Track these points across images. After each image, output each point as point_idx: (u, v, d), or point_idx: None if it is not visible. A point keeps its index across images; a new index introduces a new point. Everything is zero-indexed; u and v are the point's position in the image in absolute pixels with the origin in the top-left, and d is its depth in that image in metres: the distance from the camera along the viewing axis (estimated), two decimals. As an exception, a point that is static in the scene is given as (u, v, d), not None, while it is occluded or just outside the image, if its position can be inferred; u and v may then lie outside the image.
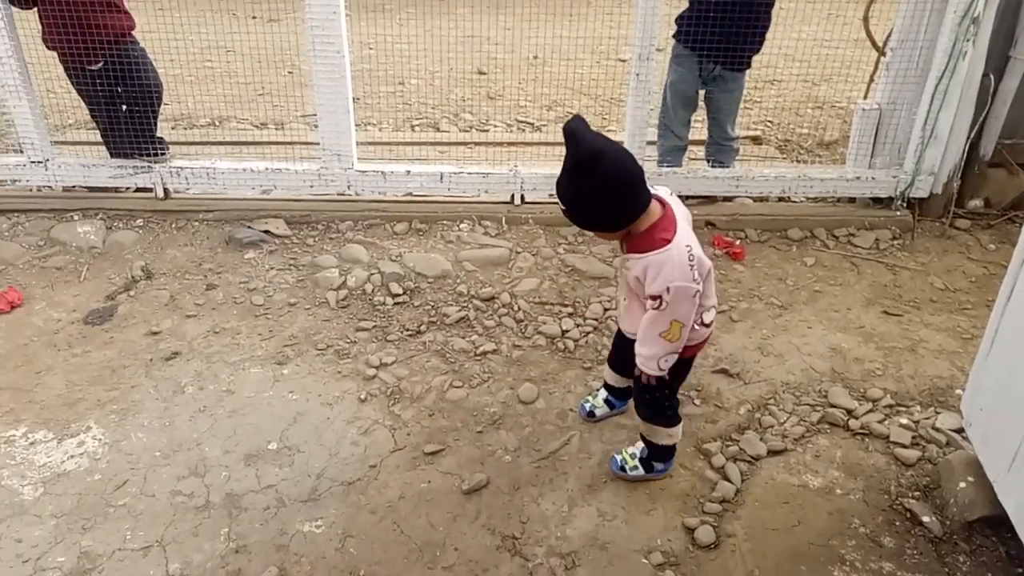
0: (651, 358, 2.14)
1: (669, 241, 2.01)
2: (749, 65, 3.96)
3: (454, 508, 2.36)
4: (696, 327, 2.15)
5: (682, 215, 2.11)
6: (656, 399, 2.32)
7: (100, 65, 3.70)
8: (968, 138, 3.84)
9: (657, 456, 2.43)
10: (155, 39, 4.22)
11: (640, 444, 2.46)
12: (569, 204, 2.06)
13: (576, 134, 1.96)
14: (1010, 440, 1.96)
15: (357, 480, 2.45)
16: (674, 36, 3.94)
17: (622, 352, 2.45)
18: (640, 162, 2.10)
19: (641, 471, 2.45)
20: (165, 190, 3.94)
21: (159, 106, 3.99)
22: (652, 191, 2.11)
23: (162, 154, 3.93)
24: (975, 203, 4.07)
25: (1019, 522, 1.94)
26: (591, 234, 2.23)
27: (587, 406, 2.71)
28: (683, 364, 2.30)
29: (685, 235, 2.05)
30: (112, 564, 2.16)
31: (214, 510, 2.34)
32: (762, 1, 3.69)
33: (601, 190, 1.99)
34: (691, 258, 2.02)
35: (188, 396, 2.80)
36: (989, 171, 4.02)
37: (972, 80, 3.68)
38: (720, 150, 4.15)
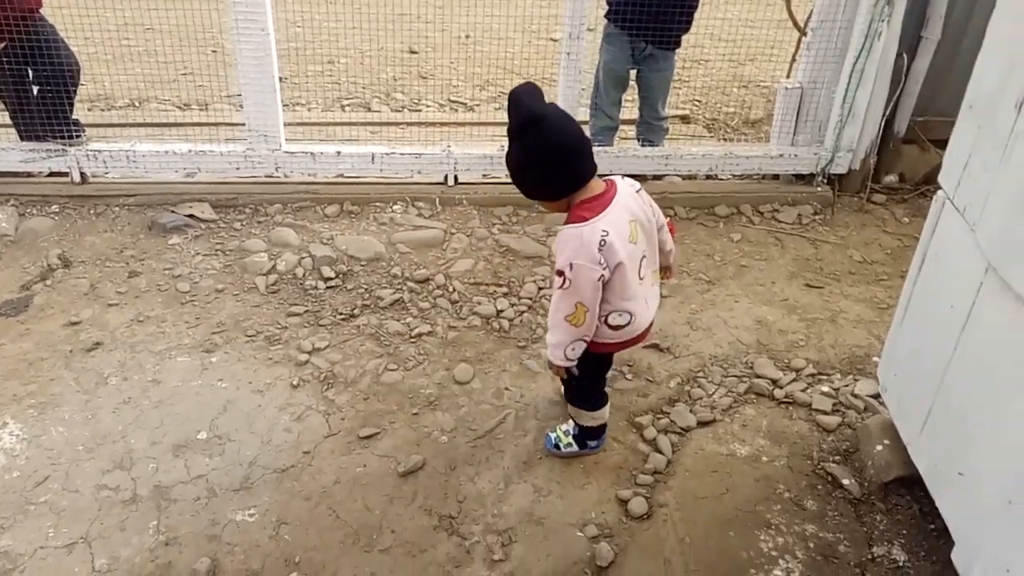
0: (558, 346, 2.13)
1: (586, 220, 2.00)
2: (679, 44, 4.02)
3: (390, 491, 2.36)
4: (601, 324, 2.14)
5: (623, 206, 2.06)
6: (578, 386, 2.35)
7: (3, 46, 3.53)
8: (883, 116, 3.97)
9: (588, 434, 2.48)
10: (68, 16, 4.04)
11: (571, 422, 2.50)
12: (512, 170, 2.08)
13: (520, 99, 1.98)
14: (922, 404, 2.06)
15: (290, 467, 2.43)
16: (606, 16, 3.96)
17: None
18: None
19: (575, 447, 2.49)
20: (82, 174, 3.79)
21: (75, 87, 3.83)
22: (613, 177, 2.12)
23: (77, 136, 3.77)
24: (890, 178, 4.22)
25: (931, 481, 2.03)
26: (537, 208, 2.21)
27: None
28: (602, 357, 2.31)
29: (610, 221, 2.01)
30: (34, 563, 2.09)
31: (142, 503, 2.28)
32: None
33: (540, 153, 2.00)
34: (603, 243, 1.98)
35: (111, 388, 2.72)
36: (903, 147, 4.18)
37: (887, 60, 3.80)
38: (650, 129, 4.21)
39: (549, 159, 2.01)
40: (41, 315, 3.08)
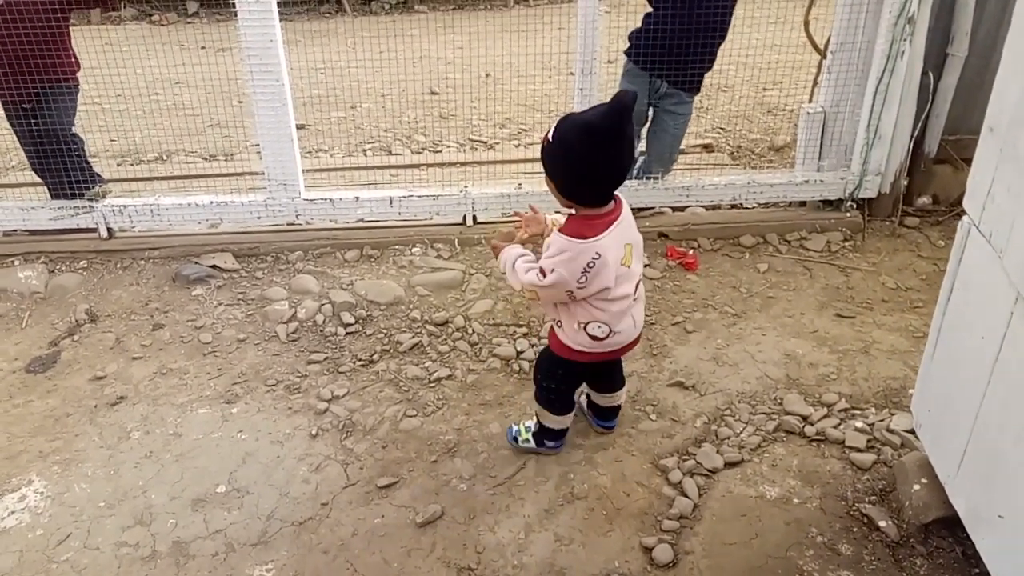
0: (502, 269, 2.32)
1: (587, 238, 2.07)
2: (698, 88, 3.93)
3: (408, 542, 2.31)
4: (577, 329, 2.23)
5: (623, 229, 2.14)
6: (547, 386, 2.44)
7: (29, 105, 3.63)
8: (912, 136, 3.88)
9: (547, 435, 2.53)
10: (101, 75, 4.15)
11: (535, 418, 2.55)
12: (555, 136, 2.06)
13: (626, 108, 1.96)
14: (957, 441, 1.95)
15: (308, 519, 2.39)
16: (625, 52, 3.93)
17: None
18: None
19: (532, 444, 2.56)
20: (109, 229, 3.86)
21: (82, 145, 3.88)
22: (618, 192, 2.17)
23: (97, 186, 3.83)
24: (923, 200, 4.11)
25: (970, 523, 1.93)
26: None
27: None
28: (571, 368, 2.38)
29: (605, 245, 2.08)
30: (52, 625, 2.08)
31: (161, 560, 2.27)
32: (714, 23, 3.66)
33: (593, 160, 2.02)
34: (591, 264, 2.07)
35: (134, 442, 2.72)
36: (935, 168, 4.06)
37: (912, 79, 3.71)
38: (649, 175, 4.06)
39: (596, 172, 2.05)
40: (68, 371, 3.11)
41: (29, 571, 2.24)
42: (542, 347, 3.10)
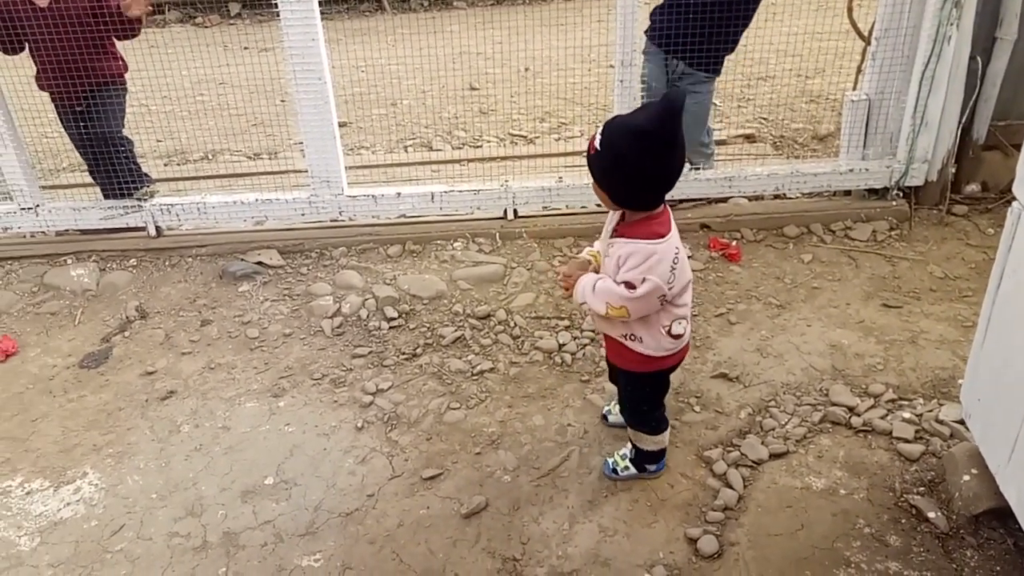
0: (584, 301, 2.13)
1: (663, 236, 2.02)
2: (718, 70, 3.81)
3: (453, 533, 2.33)
4: (662, 333, 2.14)
5: (675, 226, 2.11)
6: (639, 409, 2.35)
7: (83, 107, 3.73)
8: (960, 122, 3.79)
9: (647, 458, 2.43)
10: (148, 77, 4.25)
11: (629, 445, 2.46)
12: (603, 144, 1.96)
13: (675, 109, 1.86)
14: (1008, 430, 1.91)
15: (355, 510, 2.43)
16: (645, 32, 3.88)
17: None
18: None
19: (633, 471, 2.45)
20: (157, 228, 3.96)
21: (131, 146, 3.98)
22: None
23: (145, 186, 3.92)
24: (972, 188, 4.01)
25: (1021, 512, 1.88)
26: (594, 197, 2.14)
27: (604, 408, 2.73)
28: (653, 378, 2.29)
29: (677, 238, 2.06)
30: (110, 611, 2.15)
31: (211, 550, 2.32)
32: (736, 6, 3.57)
33: (651, 167, 1.92)
34: (676, 260, 2.02)
35: (184, 435, 2.79)
36: (984, 154, 3.97)
37: (959, 64, 3.63)
38: (693, 153, 4.04)
39: (655, 179, 1.96)
40: (119, 366, 3.19)
41: (84, 561, 2.31)
42: (584, 340, 3.13)
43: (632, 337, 2.16)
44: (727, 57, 3.82)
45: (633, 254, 2.01)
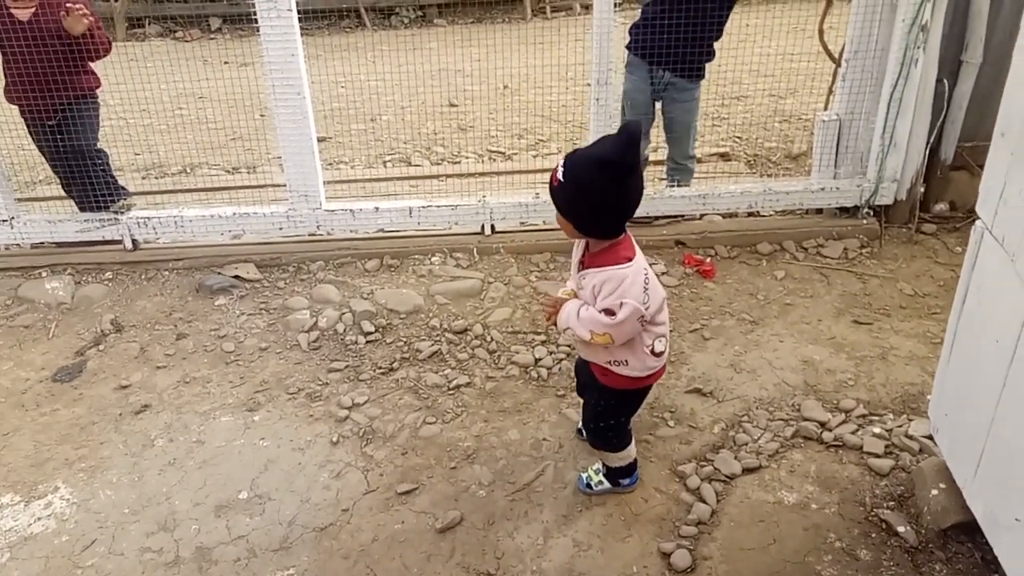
0: (567, 329, 2.15)
1: (631, 259, 2.07)
2: (702, 75, 3.93)
3: (428, 548, 2.33)
4: (646, 353, 2.17)
5: (637, 245, 2.16)
6: (605, 424, 2.36)
7: (54, 122, 3.71)
8: (928, 143, 3.87)
9: (618, 473, 2.46)
10: (126, 91, 4.24)
11: (600, 462, 2.49)
12: (566, 175, 2.00)
13: (633, 138, 1.93)
14: (974, 444, 1.95)
15: (329, 525, 2.42)
16: (627, 47, 3.96)
17: (580, 377, 2.51)
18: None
19: (607, 485, 2.47)
20: (134, 241, 3.94)
21: (106, 159, 3.96)
22: None
23: (122, 199, 3.90)
24: (940, 207, 4.10)
25: (988, 527, 1.92)
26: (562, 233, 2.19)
27: (580, 423, 2.73)
28: (636, 396, 2.33)
29: (643, 259, 2.11)
30: (79, 627, 2.12)
31: (184, 565, 2.30)
32: (710, 9, 3.69)
33: (613, 197, 1.98)
34: (647, 281, 2.07)
35: (158, 449, 2.77)
36: (952, 174, 4.06)
37: (927, 86, 3.72)
38: (676, 169, 4.13)
39: (618, 207, 2.02)
40: (94, 380, 3.17)
41: (56, 576, 2.29)
42: (560, 355, 3.15)
43: (616, 363, 2.20)
44: (707, 65, 3.93)
45: (607, 280, 2.05)
